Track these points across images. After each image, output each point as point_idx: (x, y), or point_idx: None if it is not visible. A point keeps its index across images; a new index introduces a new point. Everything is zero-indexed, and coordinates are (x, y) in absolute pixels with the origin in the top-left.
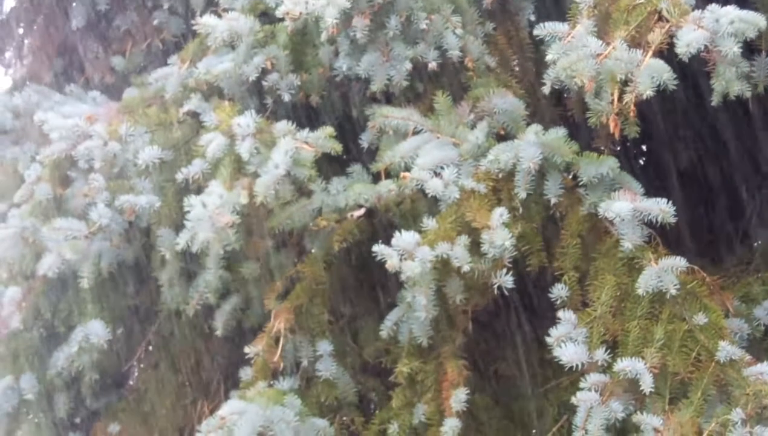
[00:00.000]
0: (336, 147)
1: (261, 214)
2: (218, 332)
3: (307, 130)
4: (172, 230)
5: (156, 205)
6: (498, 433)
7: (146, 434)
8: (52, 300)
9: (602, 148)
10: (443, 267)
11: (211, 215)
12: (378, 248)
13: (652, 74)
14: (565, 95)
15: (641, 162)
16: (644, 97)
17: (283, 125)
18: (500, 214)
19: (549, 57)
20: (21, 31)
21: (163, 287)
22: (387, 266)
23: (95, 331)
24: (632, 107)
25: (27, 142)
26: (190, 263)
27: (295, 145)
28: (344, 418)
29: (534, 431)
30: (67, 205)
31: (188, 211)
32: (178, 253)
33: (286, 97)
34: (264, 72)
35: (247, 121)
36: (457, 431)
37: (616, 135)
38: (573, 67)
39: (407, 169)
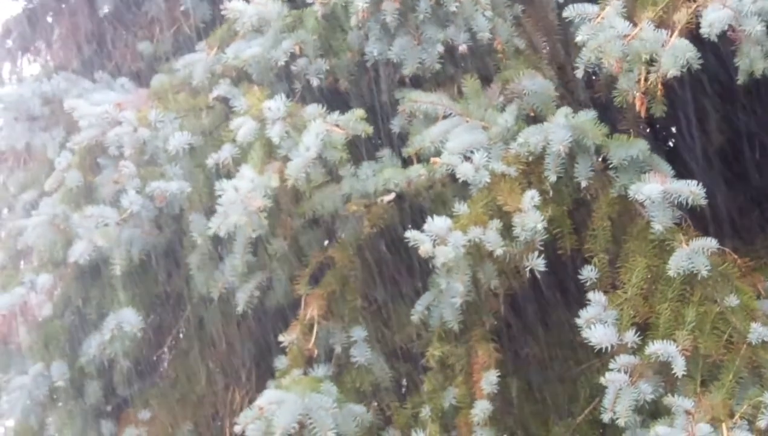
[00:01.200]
0: (367, 129)
1: (292, 197)
2: (239, 309)
3: (337, 113)
4: (203, 216)
5: (187, 191)
6: (530, 416)
7: (177, 421)
8: (83, 287)
9: (630, 130)
10: (476, 251)
11: (243, 199)
12: (411, 234)
13: (675, 54)
14: (594, 77)
15: (670, 144)
16: (668, 76)
17: (313, 108)
18: (531, 197)
19: (579, 38)
20: (49, 18)
21: (192, 271)
22: (420, 251)
23: (128, 319)
24: (659, 87)
25: (56, 129)
26: (220, 248)
27: (326, 128)
28: (379, 403)
29: (566, 413)
30: (97, 192)
31: (220, 196)
32: (208, 238)
33: (315, 82)
34: (293, 57)
35: (277, 105)
36: (488, 413)
37: (643, 114)
38: (601, 48)
39: (437, 153)
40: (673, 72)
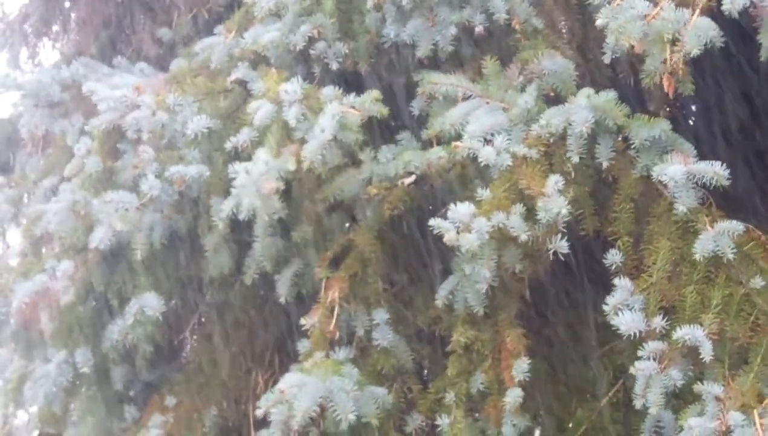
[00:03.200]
0: (382, 111)
1: (311, 181)
2: (282, 300)
3: (353, 94)
4: (223, 199)
5: (205, 175)
6: (553, 398)
7: (202, 406)
8: (104, 273)
9: (652, 109)
10: (500, 237)
11: (255, 182)
12: (434, 222)
13: (698, 33)
14: (614, 56)
15: (691, 122)
16: (692, 55)
17: (329, 90)
18: (555, 181)
19: (599, 22)
20: (67, 4)
21: (208, 253)
22: (445, 240)
23: (150, 303)
24: (682, 66)
25: (75, 115)
26: (241, 233)
27: (342, 110)
28: (401, 386)
29: (588, 395)
30: (117, 177)
31: (233, 179)
32: (228, 221)
33: (334, 66)
34: (311, 40)
35: (293, 88)
36: (520, 400)
37: (671, 94)
38: (621, 29)
39: (458, 135)
40: (696, 51)
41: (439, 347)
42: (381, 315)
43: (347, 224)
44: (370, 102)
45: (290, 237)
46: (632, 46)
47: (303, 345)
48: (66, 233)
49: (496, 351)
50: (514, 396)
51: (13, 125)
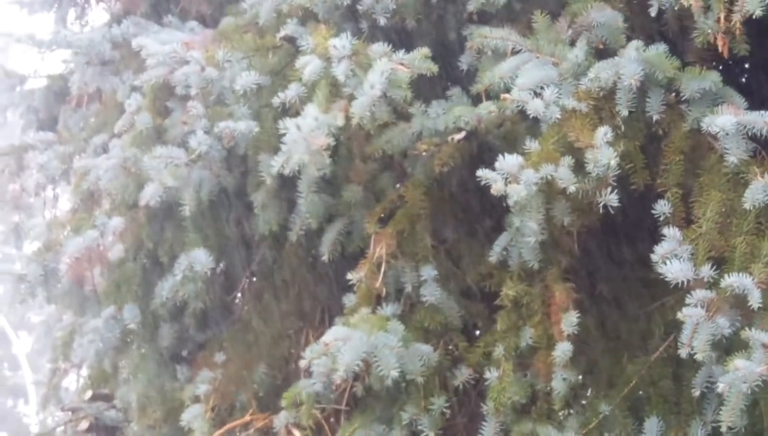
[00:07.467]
0: (432, 68)
1: (361, 138)
2: (324, 258)
3: (402, 51)
4: (271, 156)
5: (254, 131)
6: (603, 354)
7: (251, 363)
8: (154, 230)
9: (696, 63)
10: (548, 189)
11: (305, 137)
12: (482, 173)
13: None
14: (663, 8)
15: (743, 80)
16: (753, 16)
17: (379, 47)
18: (604, 133)
19: None
20: None
21: (257, 209)
22: (492, 190)
23: (199, 259)
24: (739, 26)
25: (126, 73)
26: (289, 190)
27: (391, 66)
28: (447, 343)
29: (640, 351)
30: (166, 134)
31: (283, 135)
32: (275, 177)
33: (382, 21)
34: None
35: (342, 43)
36: (569, 354)
37: (725, 54)
38: None
39: (507, 90)
40: (758, 12)
41: (489, 304)
42: (429, 272)
43: (398, 185)
44: (420, 59)
45: (338, 195)
46: (688, 3)
47: (349, 300)
48: (117, 190)
49: (545, 306)
50: (563, 350)
51: (65, 81)
